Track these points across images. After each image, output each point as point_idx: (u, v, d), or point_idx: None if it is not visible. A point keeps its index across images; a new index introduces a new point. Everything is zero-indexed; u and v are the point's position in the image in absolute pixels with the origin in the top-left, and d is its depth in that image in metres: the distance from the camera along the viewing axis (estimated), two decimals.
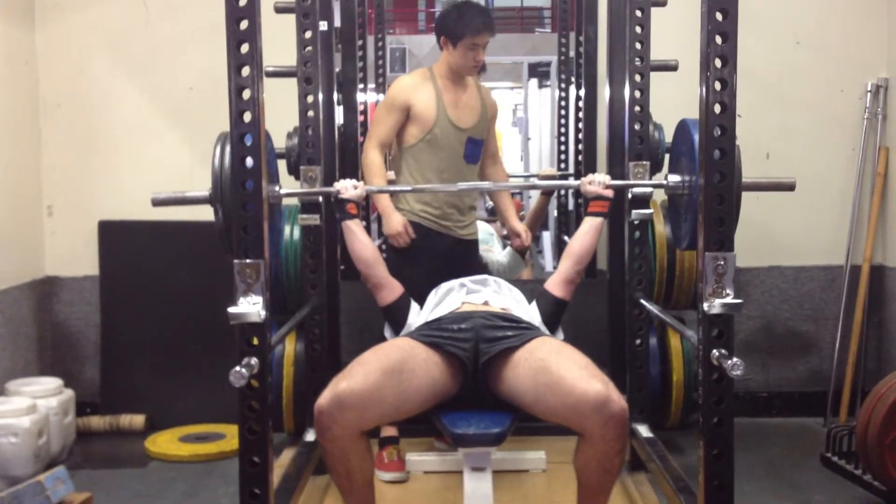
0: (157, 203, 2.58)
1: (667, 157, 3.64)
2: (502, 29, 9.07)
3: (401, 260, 3.52)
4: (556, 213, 5.17)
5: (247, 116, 2.31)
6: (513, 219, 3.69)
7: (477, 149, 3.60)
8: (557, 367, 2.39)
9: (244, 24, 2.27)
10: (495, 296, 2.93)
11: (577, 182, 2.99)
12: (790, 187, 2.58)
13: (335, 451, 2.39)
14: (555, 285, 2.94)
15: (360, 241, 2.95)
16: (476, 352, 2.58)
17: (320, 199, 3.37)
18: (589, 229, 2.95)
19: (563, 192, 5.04)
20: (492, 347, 2.56)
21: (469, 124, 3.54)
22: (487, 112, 3.62)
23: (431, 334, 2.62)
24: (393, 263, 3.60)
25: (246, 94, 2.30)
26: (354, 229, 2.96)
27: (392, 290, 2.98)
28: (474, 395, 2.60)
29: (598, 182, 2.97)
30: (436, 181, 3.51)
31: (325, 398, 2.32)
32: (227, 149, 2.45)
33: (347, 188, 2.97)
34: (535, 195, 7.19)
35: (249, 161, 2.31)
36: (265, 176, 2.36)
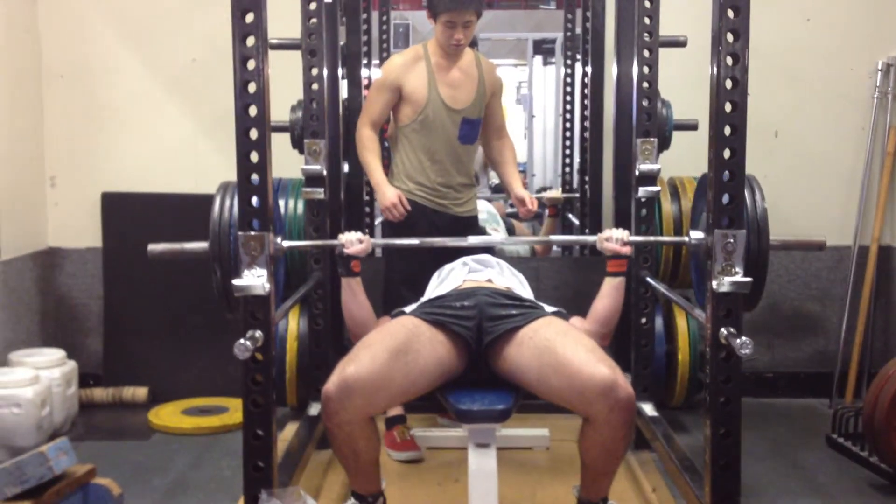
0: (153, 255, 2.56)
1: (674, 134, 3.63)
2: (507, 5, 9.01)
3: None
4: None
5: (251, 87, 2.29)
6: (517, 186, 3.57)
7: (473, 129, 3.54)
8: (564, 349, 2.36)
9: None
10: (498, 276, 2.90)
11: (593, 238, 2.77)
12: (819, 247, 2.55)
13: (343, 436, 2.37)
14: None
15: (358, 302, 2.74)
16: (479, 330, 2.55)
17: (324, 172, 3.34)
18: (610, 290, 2.70)
19: (567, 168, 5.01)
20: (496, 326, 2.53)
21: (464, 104, 3.47)
22: (486, 90, 3.53)
23: (434, 312, 2.59)
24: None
25: (250, 64, 2.27)
26: (356, 289, 2.73)
27: None
28: (478, 373, 2.58)
29: (616, 238, 2.70)
30: (427, 162, 3.47)
31: (332, 384, 2.29)
32: (228, 200, 2.48)
33: (352, 242, 2.68)
34: (538, 173, 7.21)
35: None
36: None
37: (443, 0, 3.32)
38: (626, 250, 2.70)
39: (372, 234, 4.40)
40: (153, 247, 2.56)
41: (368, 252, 2.71)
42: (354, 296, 2.73)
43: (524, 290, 2.91)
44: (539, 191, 6.46)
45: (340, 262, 2.71)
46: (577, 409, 2.35)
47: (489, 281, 2.83)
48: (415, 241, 3.13)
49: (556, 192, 4.86)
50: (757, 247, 2.40)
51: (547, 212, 4.58)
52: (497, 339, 2.53)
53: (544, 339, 2.43)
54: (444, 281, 2.91)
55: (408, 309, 2.71)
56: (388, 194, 3.38)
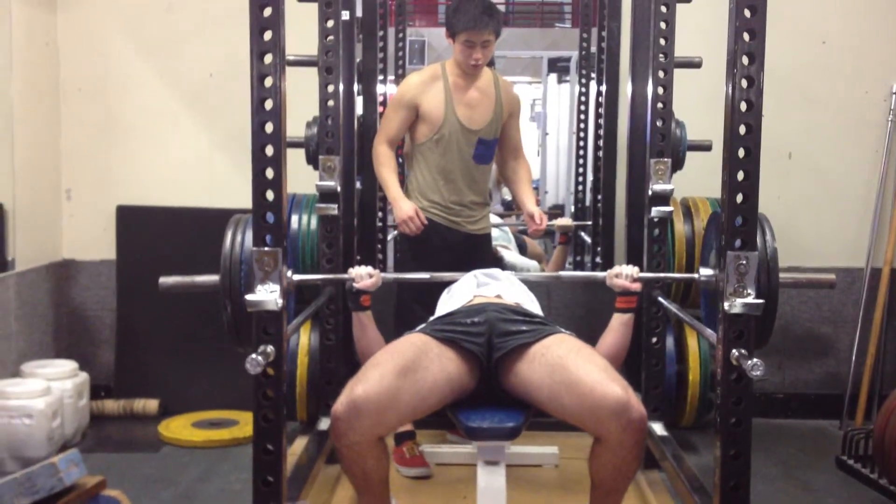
0: (164, 288, 2.58)
1: (688, 155, 3.64)
2: (523, 24, 9.06)
3: (412, 256, 3.49)
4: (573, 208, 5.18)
5: (268, 104, 2.30)
6: (529, 203, 3.59)
7: (488, 150, 3.55)
8: (576, 367, 2.34)
9: (268, 11, 2.26)
10: (507, 291, 2.89)
11: (602, 274, 2.79)
12: (830, 285, 2.54)
13: (352, 456, 2.36)
14: None
15: (368, 337, 2.75)
16: (490, 346, 2.54)
17: (338, 188, 3.36)
18: (618, 326, 2.70)
19: (580, 186, 5.02)
20: (506, 342, 2.52)
21: (480, 125, 3.49)
22: (503, 110, 3.55)
23: (444, 329, 2.58)
24: (404, 260, 3.59)
25: (268, 81, 2.29)
26: (366, 323, 2.74)
27: None
28: (489, 390, 2.57)
29: (626, 275, 2.71)
30: (441, 180, 3.49)
31: (341, 404, 2.27)
32: (239, 236, 2.50)
33: (362, 276, 2.70)
34: (550, 191, 7.22)
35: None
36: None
37: (461, 19, 3.34)
38: (636, 287, 2.70)
39: (384, 249, 4.44)
40: (164, 280, 2.59)
41: (378, 286, 2.73)
42: (365, 330, 2.74)
43: (533, 305, 2.91)
44: (552, 208, 6.47)
45: (350, 296, 2.73)
46: (589, 428, 2.33)
47: (498, 297, 2.83)
48: (425, 276, 3.12)
49: (567, 220, 4.85)
50: (767, 285, 2.40)
51: (558, 239, 4.56)
52: (508, 355, 2.51)
53: (556, 357, 2.41)
54: (454, 297, 2.91)
55: (418, 328, 2.71)
56: (405, 208, 3.41)
